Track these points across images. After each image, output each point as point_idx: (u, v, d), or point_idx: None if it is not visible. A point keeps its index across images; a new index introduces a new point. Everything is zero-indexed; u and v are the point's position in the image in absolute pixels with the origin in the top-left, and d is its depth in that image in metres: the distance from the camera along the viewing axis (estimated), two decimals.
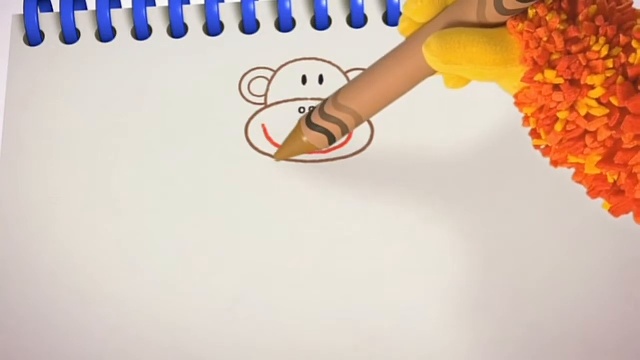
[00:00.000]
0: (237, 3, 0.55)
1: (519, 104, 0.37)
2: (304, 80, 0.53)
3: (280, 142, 0.51)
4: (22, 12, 0.55)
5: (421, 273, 0.48)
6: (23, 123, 0.52)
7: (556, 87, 0.35)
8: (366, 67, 0.53)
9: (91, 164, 0.51)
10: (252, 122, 0.52)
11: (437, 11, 0.37)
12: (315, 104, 0.52)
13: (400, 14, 0.54)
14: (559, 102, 0.35)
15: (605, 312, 0.47)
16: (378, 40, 0.54)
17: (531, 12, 0.35)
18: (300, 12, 0.55)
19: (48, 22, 0.55)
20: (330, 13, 0.54)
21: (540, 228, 0.48)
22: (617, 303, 0.47)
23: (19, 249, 0.49)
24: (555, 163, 0.37)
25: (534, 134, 0.37)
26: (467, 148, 0.50)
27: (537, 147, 0.37)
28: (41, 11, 0.56)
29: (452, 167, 0.50)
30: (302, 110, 0.52)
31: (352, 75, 0.53)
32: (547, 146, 0.37)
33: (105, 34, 0.55)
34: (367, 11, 0.55)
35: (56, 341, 0.47)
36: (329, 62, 0.53)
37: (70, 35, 0.55)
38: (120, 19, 0.55)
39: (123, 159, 0.51)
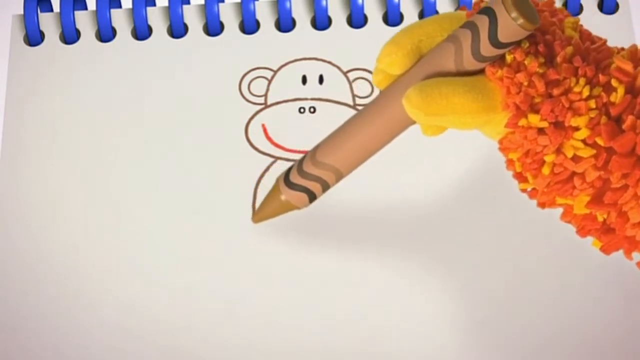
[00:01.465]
0: (237, 3, 0.55)
1: (503, 149, 0.36)
2: (304, 80, 0.53)
3: (280, 142, 0.51)
4: (22, 12, 0.55)
5: (421, 273, 0.48)
6: (23, 123, 0.52)
7: (541, 131, 0.35)
8: (366, 67, 0.53)
9: (91, 164, 0.51)
10: (252, 122, 0.52)
11: (412, 62, 0.37)
12: (315, 104, 0.52)
13: (401, 14, 0.54)
14: (545, 146, 0.35)
15: (604, 312, 0.47)
16: (378, 40, 0.53)
17: (509, 57, 0.35)
18: (300, 12, 0.55)
19: (48, 22, 0.55)
20: (330, 13, 0.54)
21: (538, 228, 0.48)
22: (615, 304, 0.47)
23: (19, 249, 0.49)
24: (542, 205, 0.36)
25: (520, 177, 0.36)
26: (468, 148, 0.50)
27: (523, 190, 0.37)
28: (41, 11, 0.56)
29: (452, 167, 0.50)
30: (302, 110, 0.52)
31: (352, 75, 0.53)
32: (533, 189, 0.36)
33: (105, 34, 0.55)
34: (367, 11, 0.55)
35: (56, 341, 0.47)
36: (329, 62, 0.53)
37: (70, 35, 0.55)
38: (120, 19, 0.55)
39: (123, 159, 0.51)
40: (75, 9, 0.55)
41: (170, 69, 0.54)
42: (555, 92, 0.34)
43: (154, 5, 0.57)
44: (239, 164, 0.51)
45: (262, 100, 0.53)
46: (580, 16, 0.53)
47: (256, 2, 0.54)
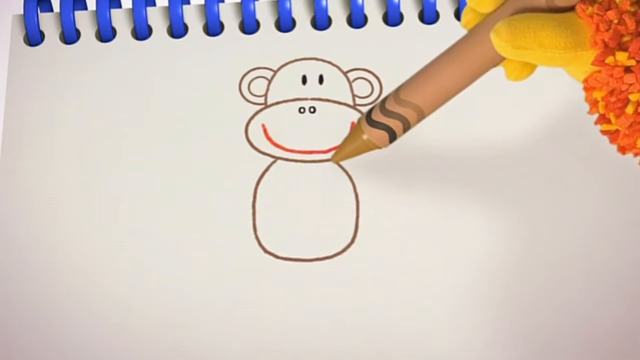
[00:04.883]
0: (237, 3, 0.55)
1: (588, 88, 0.36)
2: (304, 80, 0.53)
3: (280, 142, 0.51)
4: (22, 12, 0.55)
5: (422, 272, 0.48)
6: (23, 123, 0.52)
7: (627, 69, 0.34)
8: (366, 67, 0.53)
9: (91, 164, 0.51)
10: (252, 122, 0.52)
11: (502, 0, 0.37)
12: (315, 104, 0.52)
13: (401, 14, 0.54)
14: (630, 84, 0.34)
15: (608, 312, 0.47)
16: (378, 40, 0.54)
17: None
18: (300, 12, 0.55)
19: (48, 22, 0.55)
20: (330, 13, 0.55)
21: (542, 228, 0.48)
22: (619, 303, 0.47)
23: (19, 249, 0.49)
24: (622, 149, 0.36)
25: (603, 119, 0.36)
26: (468, 145, 0.50)
27: (605, 132, 0.37)
28: (41, 11, 0.56)
29: (453, 164, 0.50)
30: (302, 110, 0.52)
31: (352, 75, 0.53)
32: (615, 131, 0.36)
33: (105, 34, 0.55)
34: (367, 11, 0.55)
35: (56, 341, 0.47)
36: (329, 62, 0.53)
37: (70, 35, 0.55)
38: (120, 19, 0.55)
39: (123, 158, 0.51)
40: (75, 9, 0.55)
41: (170, 69, 0.54)
42: None
43: (154, 5, 0.57)
44: (239, 164, 0.51)
45: (262, 100, 0.53)
46: None
47: (256, 2, 0.54)
